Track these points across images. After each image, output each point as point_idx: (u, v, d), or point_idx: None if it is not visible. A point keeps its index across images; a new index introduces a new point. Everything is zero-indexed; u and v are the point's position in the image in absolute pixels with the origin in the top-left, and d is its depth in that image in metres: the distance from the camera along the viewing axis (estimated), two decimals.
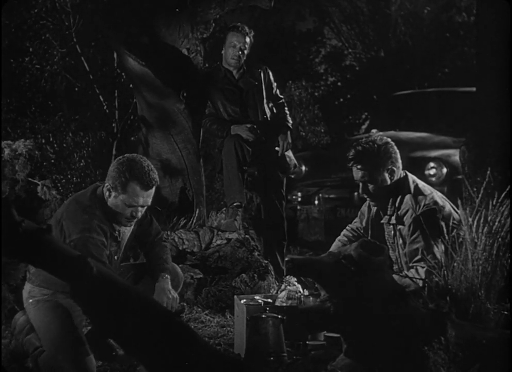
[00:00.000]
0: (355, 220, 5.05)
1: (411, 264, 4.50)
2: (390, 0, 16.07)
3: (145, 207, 4.08)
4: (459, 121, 8.26)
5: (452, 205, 4.67)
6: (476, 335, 3.47)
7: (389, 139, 4.70)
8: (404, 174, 4.71)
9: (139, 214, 4.04)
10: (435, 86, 12.99)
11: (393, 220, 4.63)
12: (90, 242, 3.87)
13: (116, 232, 4.10)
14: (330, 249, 4.82)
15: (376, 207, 4.80)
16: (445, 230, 4.35)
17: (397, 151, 4.68)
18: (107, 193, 4.01)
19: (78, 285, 3.12)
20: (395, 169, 4.63)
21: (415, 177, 4.73)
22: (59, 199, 5.66)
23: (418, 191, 4.60)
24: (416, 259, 4.47)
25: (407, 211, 4.54)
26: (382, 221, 4.71)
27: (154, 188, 4.02)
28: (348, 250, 3.53)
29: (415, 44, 15.72)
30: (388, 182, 4.62)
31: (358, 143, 4.65)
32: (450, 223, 4.40)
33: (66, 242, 3.88)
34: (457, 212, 4.58)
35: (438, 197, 4.63)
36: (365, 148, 4.61)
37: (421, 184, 4.69)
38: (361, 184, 4.66)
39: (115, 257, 4.14)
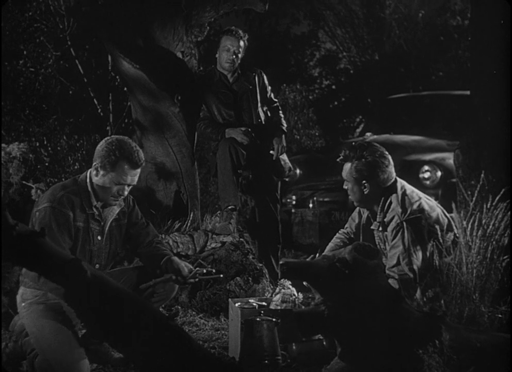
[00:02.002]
0: (346, 225, 5.06)
1: (387, 272, 4.48)
2: (385, 4, 16.12)
3: (131, 187, 4.17)
4: (453, 124, 8.30)
5: (444, 210, 4.67)
6: (470, 338, 3.48)
7: (378, 146, 4.72)
8: (394, 179, 4.70)
9: (125, 193, 4.14)
10: (429, 89, 13.00)
11: (381, 227, 4.64)
12: (53, 212, 3.96)
13: (95, 209, 4.14)
14: (324, 252, 4.84)
15: (367, 213, 4.81)
16: (426, 237, 4.38)
17: (390, 157, 4.69)
18: (94, 172, 4.11)
19: (72, 288, 3.12)
20: (386, 172, 4.63)
21: (404, 183, 4.73)
22: None
23: (405, 198, 4.60)
24: (391, 265, 4.46)
25: (393, 217, 4.55)
26: (372, 228, 4.72)
27: (140, 169, 4.14)
28: (342, 253, 3.53)
29: (409, 48, 15.76)
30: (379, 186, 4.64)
31: (351, 147, 4.68)
32: (439, 230, 4.41)
33: (34, 211, 4.02)
34: (447, 217, 4.60)
35: (427, 203, 4.62)
36: (361, 145, 4.64)
37: (410, 190, 4.68)
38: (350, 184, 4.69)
39: (98, 237, 4.18)
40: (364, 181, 4.59)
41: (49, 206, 3.97)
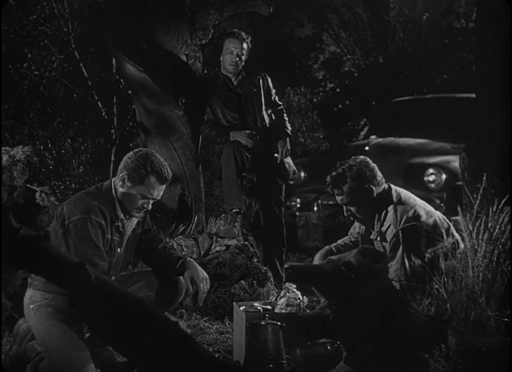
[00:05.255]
0: (349, 232, 5.07)
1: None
2: (389, 7, 16.09)
3: (154, 201, 4.20)
4: (458, 127, 8.27)
5: (443, 216, 4.67)
6: (476, 342, 3.46)
7: (361, 158, 4.72)
8: (388, 187, 4.71)
9: (150, 206, 4.16)
10: (434, 92, 12.97)
11: (379, 237, 4.65)
12: (89, 223, 3.93)
13: (119, 222, 4.14)
14: (316, 255, 4.90)
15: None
16: (423, 244, 4.39)
17: (373, 166, 4.69)
18: (120, 183, 4.10)
19: (76, 292, 3.11)
20: (372, 186, 4.64)
21: (400, 190, 4.73)
22: (57, 205, 5.63)
23: (400, 205, 4.60)
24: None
25: (389, 226, 4.56)
26: (371, 237, 4.72)
27: (166, 184, 4.19)
28: (347, 257, 3.53)
29: (413, 50, 15.74)
30: (369, 199, 4.65)
31: (334, 168, 4.72)
32: (439, 236, 4.41)
33: (65, 223, 3.95)
34: (447, 222, 4.59)
35: (423, 209, 4.61)
36: (339, 173, 4.67)
37: (405, 196, 4.68)
38: (344, 207, 4.71)
39: (118, 249, 4.18)
40: (365, 186, 4.61)
41: (86, 218, 3.93)
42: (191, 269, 4.28)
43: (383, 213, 4.60)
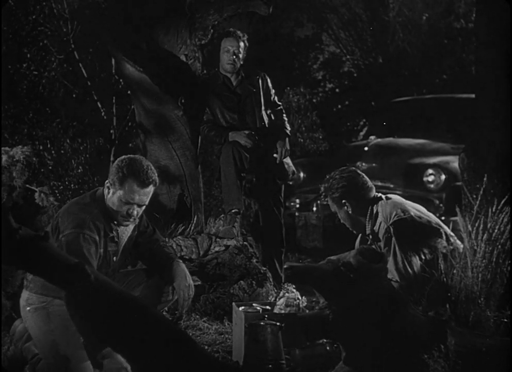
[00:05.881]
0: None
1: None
2: (389, 7, 16.08)
3: (143, 208, 4.10)
4: (457, 128, 8.28)
5: (435, 218, 4.69)
6: (476, 343, 3.46)
7: (346, 173, 4.75)
8: (378, 195, 4.75)
9: (135, 212, 4.05)
10: (433, 93, 13.00)
11: (372, 236, 4.68)
12: (81, 237, 3.88)
13: (114, 232, 4.10)
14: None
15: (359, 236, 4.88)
16: (417, 239, 4.41)
17: (356, 181, 4.74)
18: (106, 190, 4.06)
19: (75, 292, 3.10)
20: (348, 203, 4.70)
21: (391, 195, 4.80)
22: (57, 205, 5.63)
23: (389, 202, 4.64)
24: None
25: (380, 223, 4.59)
26: (368, 244, 4.74)
27: (151, 188, 4.04)
28: (347, 257, 3.52)
29: (413, 51, 15.73)
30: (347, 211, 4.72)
31: (325, 180, 4.82)
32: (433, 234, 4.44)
33: (59, 237, 3.92)
34: (439, 224, 4.60)
35: (414, 208, 4.65)
36: (325, 186, 4.80)
37: (395, 197, 4.77)
38: (338, 215, 4.78)
39: (114, 258, 4.15)
40: (343, 201, 4.66)
41: (79, 232, 3.89)
42: (175, 274, 4.23)
43: (374, 213, 4.63)
